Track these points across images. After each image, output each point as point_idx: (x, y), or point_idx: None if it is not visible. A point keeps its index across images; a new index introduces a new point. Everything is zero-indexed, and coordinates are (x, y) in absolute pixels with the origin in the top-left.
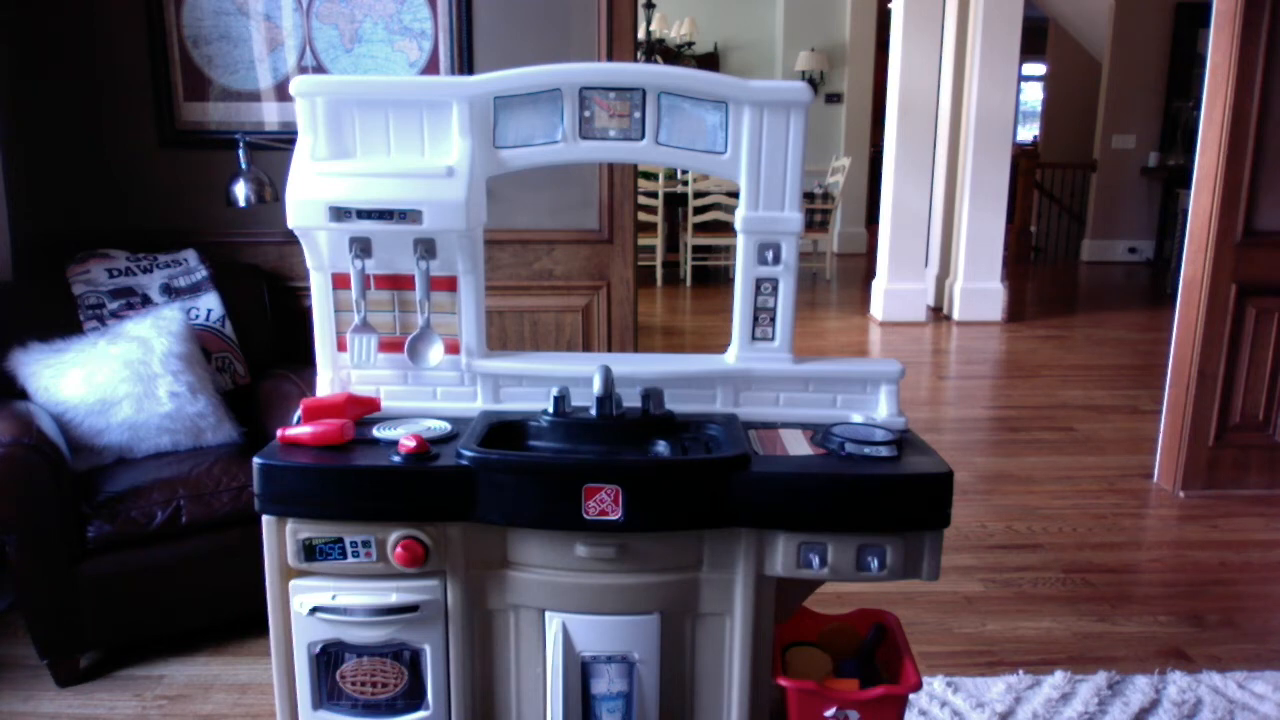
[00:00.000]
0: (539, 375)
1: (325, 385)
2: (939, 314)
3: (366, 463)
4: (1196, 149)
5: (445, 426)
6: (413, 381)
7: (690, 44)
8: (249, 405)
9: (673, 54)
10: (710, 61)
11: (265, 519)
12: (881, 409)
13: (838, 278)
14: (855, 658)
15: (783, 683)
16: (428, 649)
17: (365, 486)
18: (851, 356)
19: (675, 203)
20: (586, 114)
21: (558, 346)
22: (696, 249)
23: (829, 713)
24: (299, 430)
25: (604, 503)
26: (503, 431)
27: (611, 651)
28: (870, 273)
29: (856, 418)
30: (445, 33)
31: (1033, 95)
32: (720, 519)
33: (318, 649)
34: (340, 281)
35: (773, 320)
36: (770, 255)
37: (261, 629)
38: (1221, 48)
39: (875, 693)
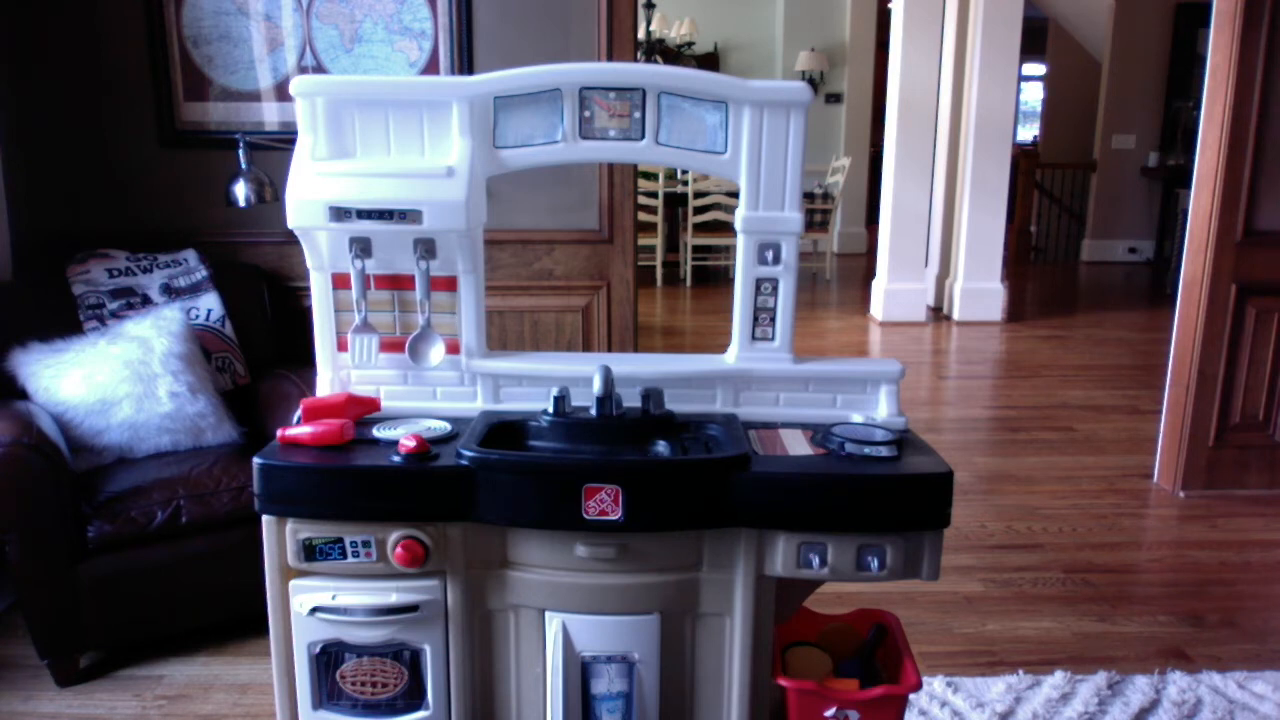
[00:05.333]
0: (539, 375)
1: (325, 385)
2: (939, 314)
3: (366, 463)
4: (1196, 149)
5: (445, 426)
6: (413, 381)
7: (690, 44)
8: (249, 405)
9: (673, 54)
10: (710, 61)
11: (265, 519)
12: (881, 409)
13: (838, 278)
14: (855, 658)
15: (783, 683)
16: (428, 649)
17: (365, 486)
18: (851, 356)
19: (675, 203)
20: (586, 114)
21: (558, 346)
22: (696, 249)
23: (829, 713)
24: (299, 430)
25: (604, 503)
26: (503, 431)
27: (611, 651)
28: (870, 273)
29: (856, 418)
30: (445, 33)
31: (1033, 95)
32: (720, 519)
33: (318, 649)
34: (340, 281)
35: (773, 320)
36: (770, 255)
37: (261, 629)
38: (1221, 48)
39: (875, 693)
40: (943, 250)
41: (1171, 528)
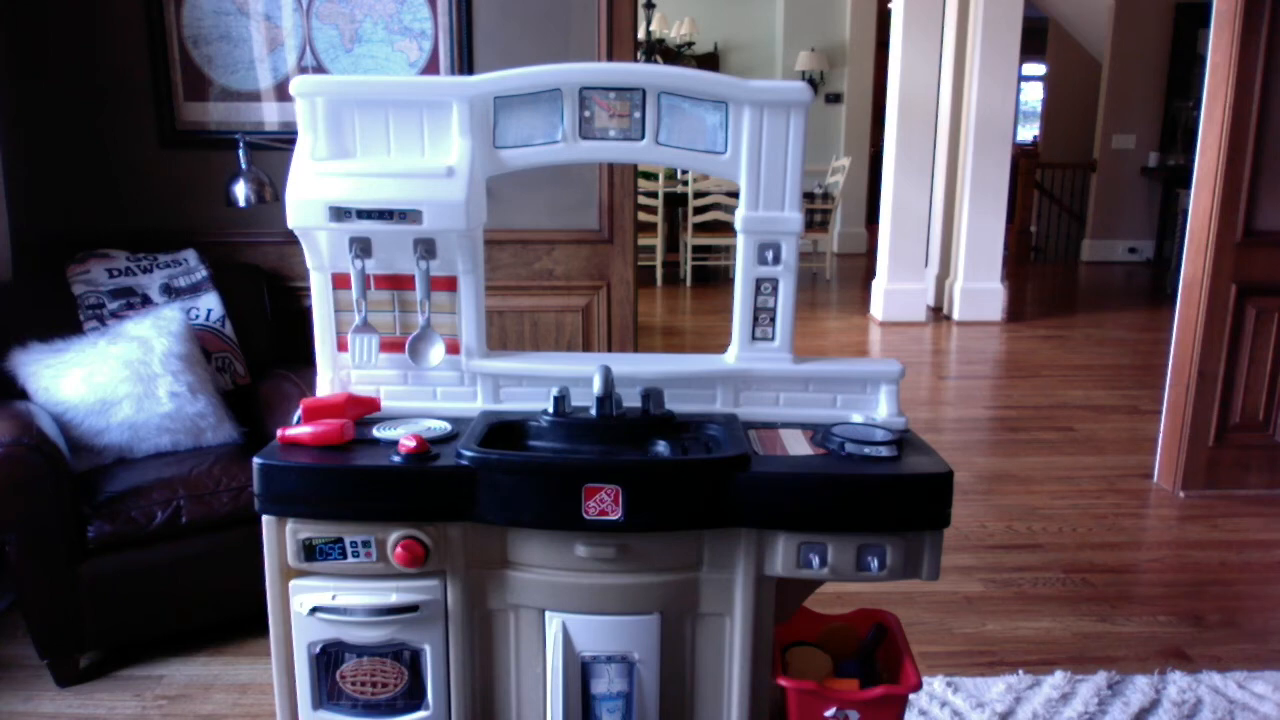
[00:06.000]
0: (539, 375)
1: (325, 385)
2: (939, 314)
3: (366, 463)
4: (1196, 149)
5: (445, 426)
6: (413, 381)
7: (690, 44)
8: (249, 405)
9: (673, 54)
10: (710, 61)
11: (265, 519)
12: (881, 409)
13: (838, 278)
14: (855, 658)
15: (783, 683)
16: (428, 649)
17: (365, 486)
18: (851, 356)
19: (675, 203)
20: (586, 114)
21: (558, 346)
22: (696, 249)
23: (829, 713)
24: (299, 430)
25: (604, 503)
26: (503, 431)
27: (611, 651)
28: (870, 273)
29: (856, 418)
30: (445, 33)
31: (1033, 95)
32: (720, 519)
33: (318, 649)
34: (340, 281)
35: (773, 320)
36: (770, 255)
37: (261, 629)
38: (1221, 48)
39: (875, 693)
40: (943, 250)
41: (1171, 528)
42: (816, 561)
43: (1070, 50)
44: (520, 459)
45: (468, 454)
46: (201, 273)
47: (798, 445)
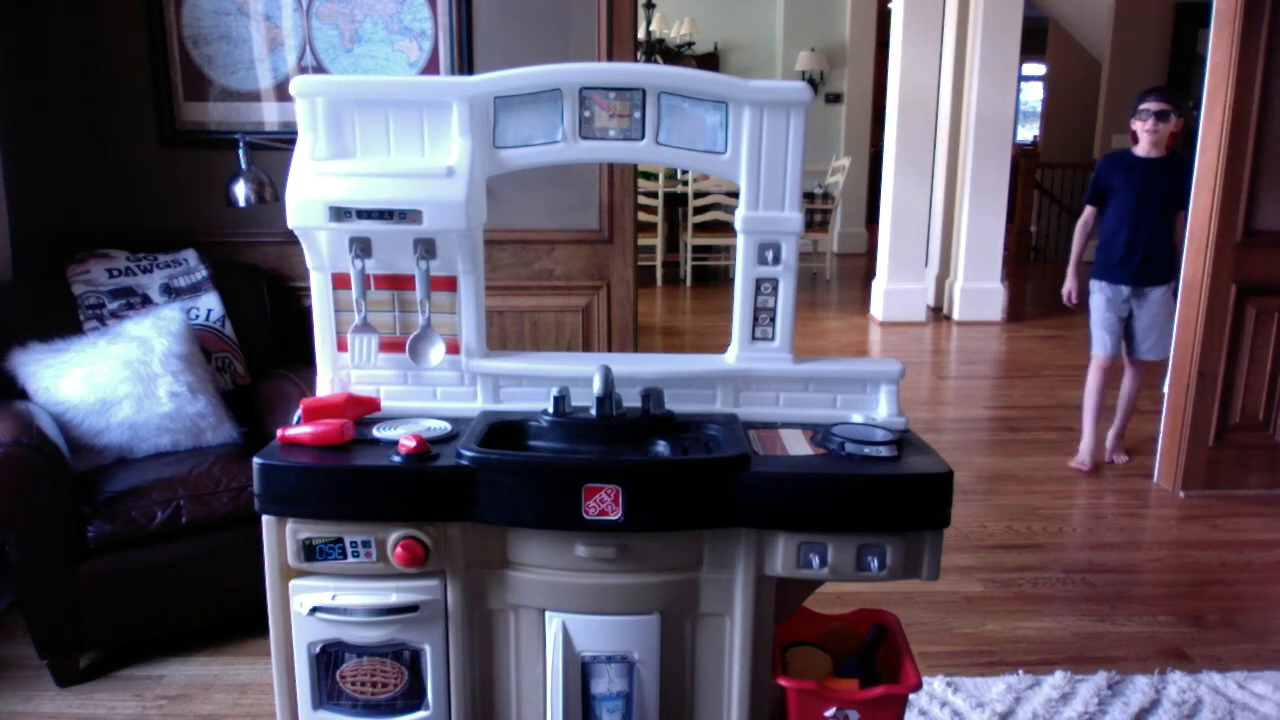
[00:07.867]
0: (539, 375)
1: (325, 385)
2: (939, 314)
3: (366, 463)
4: (1196, 149)
5: (445, 426)
6: (413, 381)
7: (690, 44)
8: (249, 405)
9: (673, 54)
10: (710, 61)
11: (265, 519)
12: (881, 409)
13: (838, 278)
14: (855, 658)
15: (783, 683)
16: (428, 649)
17: (365, 486)
18: (851, 356)
19: (675, 203)
20: (586, 114)
21: (558, 346)
22: (696, 249)
23: (829, 713)
24: (299, 430)
25: (604, 503)
26: (503, 431)
27: (611, 651)
28: (870, 273)
29: (856, 418)
30: (445, 33)
31: (1033, 95)
32: (720, 519)
33: (318, 649)
34: (340, 281)
35: (773, 320)
36: (770, 255)
37: (261, 629)
38: (1221, 48)
39: (875, 693)
40: (943, 250)
41: (1171, 528)
42: (816, 561)
43: (1070, 50)
44: (520, 459)
45: (468, 454)
46: (201, 273)
47: (798, 445)
